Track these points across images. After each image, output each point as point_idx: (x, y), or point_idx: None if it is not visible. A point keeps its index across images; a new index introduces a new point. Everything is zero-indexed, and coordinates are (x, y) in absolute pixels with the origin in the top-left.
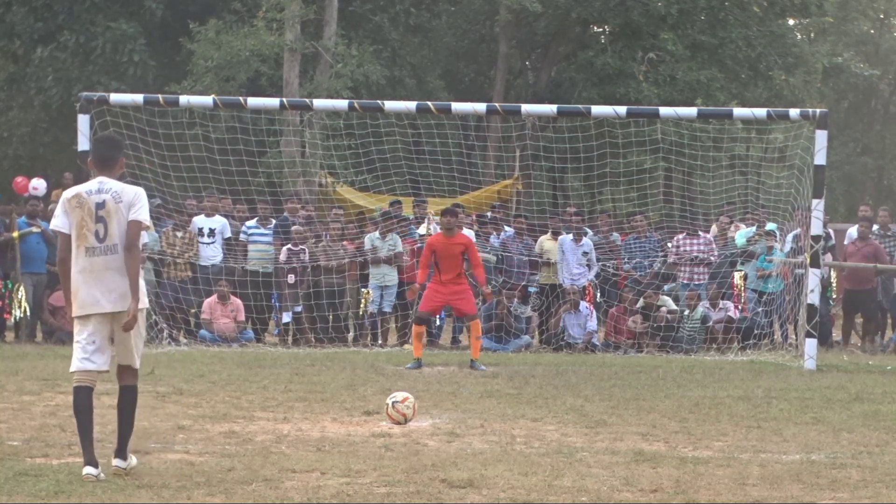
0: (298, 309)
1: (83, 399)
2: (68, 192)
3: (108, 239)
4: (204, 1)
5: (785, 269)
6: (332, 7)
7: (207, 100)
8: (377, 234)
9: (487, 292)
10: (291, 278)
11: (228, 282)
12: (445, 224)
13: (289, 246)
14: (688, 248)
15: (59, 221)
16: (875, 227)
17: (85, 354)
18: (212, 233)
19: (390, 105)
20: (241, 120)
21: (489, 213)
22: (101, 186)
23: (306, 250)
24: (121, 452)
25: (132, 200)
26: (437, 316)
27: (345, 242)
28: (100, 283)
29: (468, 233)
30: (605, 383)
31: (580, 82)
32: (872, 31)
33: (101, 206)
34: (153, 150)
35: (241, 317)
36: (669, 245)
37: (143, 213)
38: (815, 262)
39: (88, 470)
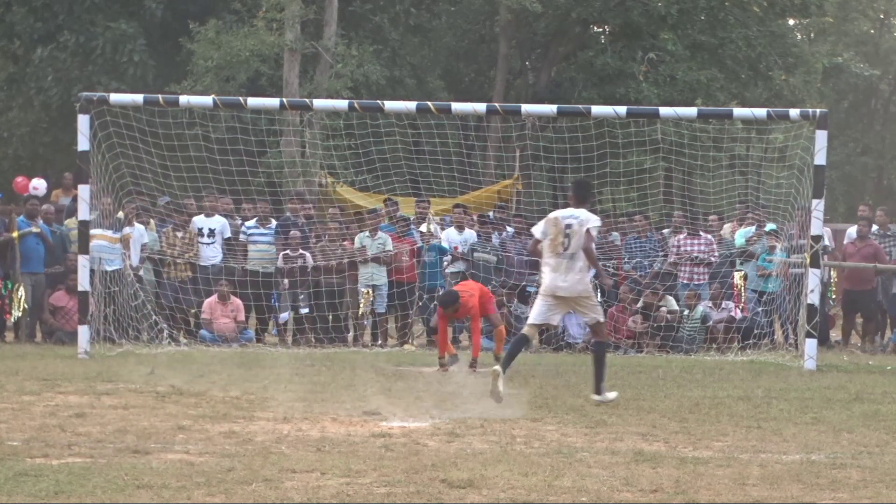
0: (305, 310)
1: (518, 341)
2: (552, 214)
3: (569, 249)
4: (204, 1)
5: (786, 268)
6: (332, 7)
7: (207, 100)
8: (366, 233)
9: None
10: (286, 283)
11: (228, 282)
12: (451, 310)
13: (286, 251)
14: (688, 248)
15: (537, 230)
16: (875, 227)
17: (539, 313)
18: (212, 233)
19: (390, 105)
20: (241, 120)
21: (490, 214)
22: (571, 213)
23: (306, 255)
24: (596, 390)
25: (586, 220)
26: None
27: (345, 242)
28: (559, 276)
29: (469, 233)
30: (606, 383)
31: (580, 82)
32: (872, 31)
33: (569, 227)
34: (153, 150)
35: (241, 317)
36: (670, 243)
37: (591, 225)
38: (815, 262)
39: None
